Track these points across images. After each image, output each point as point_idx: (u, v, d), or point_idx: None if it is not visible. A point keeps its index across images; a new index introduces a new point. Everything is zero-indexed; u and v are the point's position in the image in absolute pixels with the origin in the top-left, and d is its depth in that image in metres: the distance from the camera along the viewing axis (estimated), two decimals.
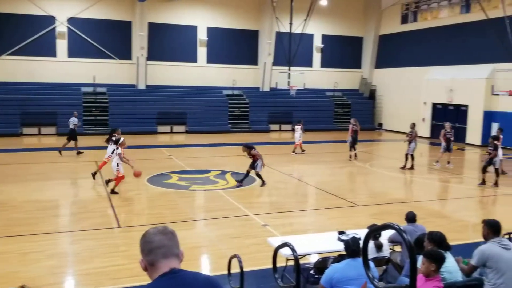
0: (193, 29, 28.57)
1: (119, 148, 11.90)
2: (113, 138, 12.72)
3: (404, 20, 29.42)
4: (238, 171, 15.53)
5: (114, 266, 7.22)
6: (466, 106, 24.16)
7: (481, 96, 23.07)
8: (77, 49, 26.31)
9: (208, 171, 15.19)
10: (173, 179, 14.02)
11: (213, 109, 27.41)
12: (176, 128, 26.83)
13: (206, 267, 7.64)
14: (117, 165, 11.79)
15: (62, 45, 26.17)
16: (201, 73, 28.84)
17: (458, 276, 4.91)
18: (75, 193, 12.95)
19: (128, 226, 9.49)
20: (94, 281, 6.72)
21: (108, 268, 7.15)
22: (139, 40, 26.70)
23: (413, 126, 16.94)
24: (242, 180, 13.19)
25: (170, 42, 28.01)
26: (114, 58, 27.10)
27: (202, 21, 28.69)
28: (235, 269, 5.99)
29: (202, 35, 28.71)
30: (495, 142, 13.69)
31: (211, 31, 28.90)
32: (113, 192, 11.81)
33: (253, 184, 13.68)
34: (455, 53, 25.18)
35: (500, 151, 13.79)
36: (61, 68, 26.07)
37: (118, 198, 11.50)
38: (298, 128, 19.46)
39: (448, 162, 16.95)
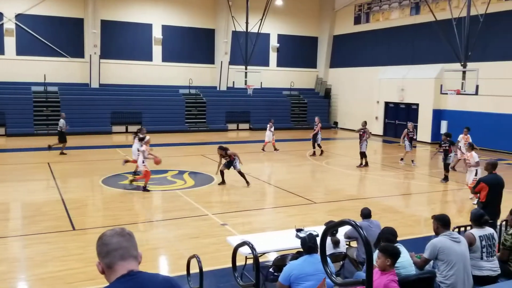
0: (148, 27, 28.09)
1: (144, 146, 12.60)
2: (139, 136, 13.35)
3: (357, 21, 30.13)
4: (196, 170, 15.43)
5: (69, 270, 7.01)
6: (417, 104, 25.03)
7: (430, 95, 23.97)
8: (27, 47, 25.28)
9: (165, 171, 14.99)
10: (129, 180, 13.73)
11: (169, 108, 27.07)
12: (131, 128, 26.22)
13: (164, 268, 7.55)
14: (143, 162, 12.36)
15: (10, 43, 25.07)
16: (156, 71, 28.40)
17: (412, 270, 5.08)
18: (27, 195, 12.44)
19: (83, 228, 9.22)
20: (48, 286, 6.49)
21: (63, 272, 6.93)
22: (92, 38, 25.98)
23: (364, 124, 17.37)
24: (222, 181, 13.28)
25: (124, 40, 27.42)
26: (65, 56, 26.24)
27: (157, 19, 28.25)
28: (195, 269, 5.95)
29: (157, 33, 28.28)
30: (459, 140, 14.36)
31: (166, 29, 28.52)
32: (145, 189, 12.23)
33: (212, 184, 13.62)
34: (405, 54, 26.04)
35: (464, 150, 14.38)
36: (9, 66, 24.96)
37: (72, 200, 11.15)
38: (269, 126, 20.04)
39: (412, 161, 17.33)
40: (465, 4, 18.71)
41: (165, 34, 28.44)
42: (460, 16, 18.62)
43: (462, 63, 18.61)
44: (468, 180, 11.79)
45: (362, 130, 16.96)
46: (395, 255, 4.54)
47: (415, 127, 19.35)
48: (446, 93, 20.03)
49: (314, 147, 19.27)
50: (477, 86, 17.82)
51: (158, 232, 9.33)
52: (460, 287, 5.05)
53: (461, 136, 16.05)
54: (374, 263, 4.96)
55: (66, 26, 26.22)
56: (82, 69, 26.66)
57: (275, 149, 20.03)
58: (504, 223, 7.23)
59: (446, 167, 14.23)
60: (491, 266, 5.58)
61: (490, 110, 21.14)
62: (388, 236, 5.27)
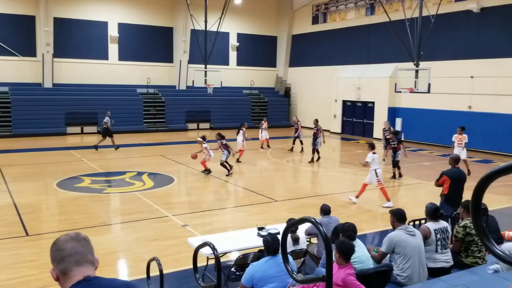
0: (103, 25, 27.42)
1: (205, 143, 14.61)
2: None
3: (315, 21, 30.55)
4: (155, 171, 15.21)
5: (22, 277, 6.74)
6: (373, 103, 25.66)
7: (385, 93, 24.63)
8: None
9: (123, 173, 14.69)
10: (85, 182, 13.38)
11: (126, 108, 26.51)
12: (87, 129, 25.61)
13: (123, 272, 7.39)
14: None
15: None
16: (113, 70, 27.77)
17: (370, 264, 5.20)
18: None
19: (37, 234, 8.89)
20: None
21: (16, 280, 6.67)
22: (44, 36, 25.10)
23: (316, 122, 17.74)
24: (229, 171, 14.54)
25: (78, 38, 26.63)
26: (16, 55, 25.22)
27: (113, 16, 27.62)
28: (155, 272, 5.86)
29: (113, 31, 27.65)
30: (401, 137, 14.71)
31: (123, 27, 27.93)
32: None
33: (171, 185, 13.47)
34: (362, 53, 26.63)
35: (463, 150, 15.01)
36: None
37: (25, 205, 10.72)
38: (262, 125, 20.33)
39: (383, 159, 17.51)
40: (417, 5, 19.32)
41: (122, 32, 27.86)
42: (412, 16, 19.21)
43: (414, 62, 19.20)
44: (369, 180, 11.48)
45: (316, 128, 17.31)
46: (347, 252, 4.54)
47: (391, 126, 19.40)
48: (400, 91, 20.62)
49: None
50: (429, 85, 18.44)
51: (116, 236, 9.13)
52: (416, 279, 5.22)
53: (454, 136, 16.03)
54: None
55: (17, 24, 25.21)
56: (34, 69, 25.71)
57: (268, 147, 20.79)
58: (457, 215, 7.54)
59: (395, 164, 14.59)
60: (445, 258, 5.80)
61: (441, 108, 21.94)
62: (349, 233, 5.36)
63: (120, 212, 10.90)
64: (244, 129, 18.02)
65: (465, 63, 20.98)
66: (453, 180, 8.31)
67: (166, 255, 7.52)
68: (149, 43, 28.75)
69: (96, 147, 19.20)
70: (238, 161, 17.20)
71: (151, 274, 6.03)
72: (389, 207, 10.54)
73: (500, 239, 7.19)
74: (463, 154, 15.01)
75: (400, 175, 14.57)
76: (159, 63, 29.28)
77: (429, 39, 19.07)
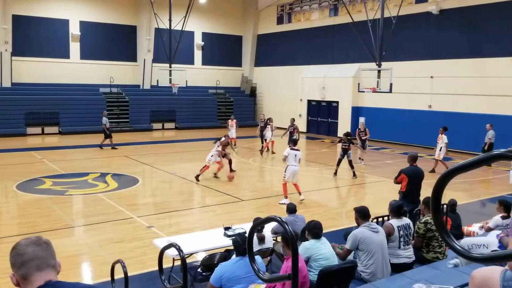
0: (64, 23, 26.69)
1: (220, 146, 14.34)
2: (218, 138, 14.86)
3: (280, 21, 30.74)
4: (119, 172, 14.94)
5: None
6: (337, 102, 26.06)
7: (349, 93, 25.07)
8: None
9: (86, 174, 14.36)
10: (47, 184, 13.01)
11: (89, 107, 25.91)
12: (48, 129, 24.89)
13: (87, 275, 7.23)
14: (211, 156, 14.11)
15: None
16: (74, 69, 27.08)
17: (335, 261, 5.29)
18: None
19: None
20: None
21: None
22: (3, 34, 24.21)
23: (293, 120, 17.93)
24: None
25: (38, 37, 25.83)
26: None
27: (74, 14, 26.92)
28: (120, 275, 5.76)
29: (74, 30, 26.96)
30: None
31: (85, 25, 27.27)
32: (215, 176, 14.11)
33: (136, 186, 13.27)
34: (326, 53, 27.00)
35: (439, 150, 15.31)
36: None
37: None
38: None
39: (361, 158, 17.56)
40: (379, 7, 19.75)
41: (83, 30, 27.20)
42: (374, 18, 19.63)
43: (377, 63, 19.62)
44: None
45: (292, 128, 17.50)
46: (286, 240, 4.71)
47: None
48: (363, 91, 21.03)
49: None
50: (391, 84, 18.88)
51: (79, 238, 8.93)
52: (379, 275, 5.34)
53: (439, 136, 16.18)
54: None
55: None
56: None
57: (234, 146, 20.41)
58: (418, 212, 7.76)
59: (350, 163, 14.73)
60: (408, 254, 5.96)
61: (403, 107, 22.52)
62: (314, 231, 5.43)
63: (83, 214, 10.65)
64: (271, 123, 18.98)
65: (425, 64, 21.61)
66: (411, 178, 8.55)
67: (131, 257, 7.41)
68: (112, 41, 28.20)
69: (111, 146, 19.73)
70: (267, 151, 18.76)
71: (116, 277, 5.91)
72: (284, 204, 10.48)
73: (461, 235, 7.46)
74: (436, 153, 15.44)
75: (354, 174, 14.77)
76: (123, 62, 28.77)
77: (391, 40, 19.52)
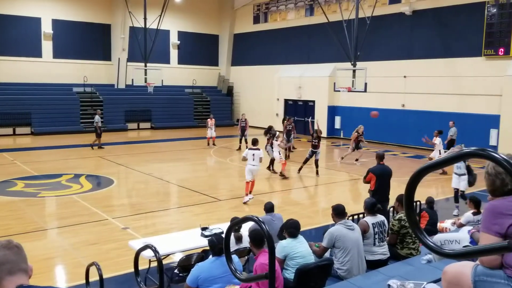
0: (36, 21, 26.10)
1: (278, 140, 14.79)
2: (271, 133, 15.26)
3: (256, 20, 30.77)
4: (93, 173, 14.72)
5: None
6: (313, 101, 26.25)
7: (325, 92, 25.28)
8: None
9: (59, 175, 14.09)
10: (19, 186, 12.72)
11: (62, 108, 25.42)
12: (19, 130, 24.30)
13: (61, 278, 7.10)
14: (279, 153, 14.57)
15: None
16: (47, 69, 26.51)
17: (311, 259, 5.33)
18: None
19: None
20: None
21: None
22: None
23: (291, 119, 18.75)
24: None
25: (9, 35, 25.16)
26: None
27: (46, 12, 26.35)
28: (95, 277, 5.68)
29: (46, 28, 26.39)
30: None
31: (57, 23, 26.73)
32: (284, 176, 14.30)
33: (111, 187, 13.10)
34: (302, 53, 27.15)
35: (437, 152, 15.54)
36: None
37: None
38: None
39: (357, 160, 17.50)
40: (354, 7, 19.99)
41: (56, 29, 26.66)
42: (349, 18, 19.86)
43: (352, 63, 19.87)
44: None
45: (291, 126, 17.72)
46: (258, 241, 4.75)
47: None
48: (339, 91, 21.26)
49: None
50: (365, 84, 19.15)
51: (52, 241, 8.75)
52: (355, 272, 5.41)
53: (433, 139, 16.20)
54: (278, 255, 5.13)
55: None
56: None
57: (213, 145, 20.78)
58: (392, 209, 7.89)
59: (316, 162, 14.93)
60: (382, 251, 6.06)
61: (377, 106, 22.82)
62: (290, 230, 5.46)
63: (57, 217, 10.45)
64: (277, 138, 17.45)
65: (399, 63, 21.97)
66: (379, 176, 8.70)
67: (106, 259, 7.32)
68: (86, 40, 27.73)
69: (98, 146, 19.65)
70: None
71: (91, 280, 5.83)
72: (246, 202, 11.15)
73: (437, 231, 7.61)
74: (435, 155, 15.65)
75: (317, 173, 14.91)
76: (97, 61, 28.33)
77: (365, 40, 19.78)
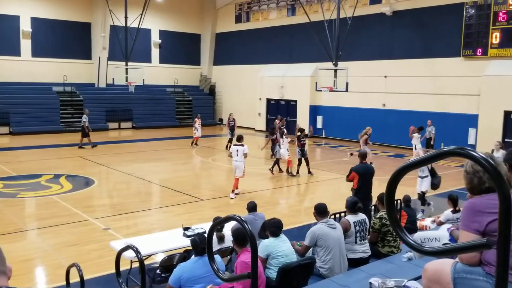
0: (14, 19, 25.61)
1: (288, 137, 15.27)
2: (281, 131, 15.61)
3: (238, 19, 30.74)
4: (74, 174, 14.52)
5: None
6: (295, 101, 26.36)
7: (307, 92, 25.40)
8: None
9: (39, 176, 13.86)
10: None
11: (41, 107, 25.00)
12: None
13: (41, 280, 6.99)
14: (287, 150, 14.89)
15: None
16: (25, 67, 26.04)
17: (293, 258, 5.35)
18: None
19: None
20: None
21: None
22: None
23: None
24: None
25: None
26: None
27: (25, 10, 25.88)
28: (75, 279, 5.61)
29: (25, 26, 25.92)
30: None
31: (36, 22, 26.28)
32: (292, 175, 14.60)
33: (92, 187, 12.94)
34: (284, 53, 27.22)
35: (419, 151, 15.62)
36: None
37: None
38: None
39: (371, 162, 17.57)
40: (335, 7, 20.13)
41: (35, 27, 26.21)
42: (331, 18, 19.99)
43: (333, 62, 20.00)
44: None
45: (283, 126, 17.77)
46: (235, 237, 4.85)
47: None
48: (321, 90, 21.38)
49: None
50: (347, 84, 19.31)
51: (32, 242, 8.61)
52: (337, 270, 5.45)
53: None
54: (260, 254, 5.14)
55: None
56: None
57: (195, 144, 20.76)
58: (374, 207, 7.97)
59: (307, 161, 15.00)
60: (364, 249, 6.11)
61: (358, 105, 23.05)
62: (272, 229, 5.46)
63: (36, 217, 10.28)
64: (286, 135, 16.96)
65: (380, 63, 22.20)
66: (361, 175, 8.80)
67: (87, 260, 7.23)
68: (65, 38, 27.32)
69: (92, 145, 19.71)
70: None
71: (71, 281, 5.76)
72: (232, 198, 11.69)
73: (416, 229, 7.71)
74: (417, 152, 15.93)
75: (310, 171, 15.05)
76: (77, 60, 27.94)
77: (347, 40, 19.94)
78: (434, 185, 10.05)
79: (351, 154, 17.44)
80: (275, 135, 16.43)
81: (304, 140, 14.85)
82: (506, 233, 1.54)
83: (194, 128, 21.23)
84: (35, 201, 11.34)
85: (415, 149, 16.39)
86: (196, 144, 21.04)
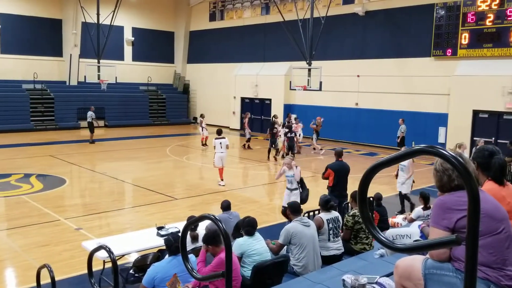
0: None
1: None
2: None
3: (212, 17, 30.60)
4: (44, 173, 14.20)
5: None
6: (270, 100, 26.42)
7: (281, 91, 25.50)
8: None
9: (8, 175, 13.50)
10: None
11: (10, 105, 24.33)
12: None
13: (11, 282, 6.83)
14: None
15: None
16: None
17: (268, 256, 5.37)
18: None
19: None
20: None
21: None
22: None
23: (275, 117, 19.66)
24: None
25: None
26: None
27: None
28: (47, 280, 5.49)
29: None
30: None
31: (5, 18, 25.51)
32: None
33: (63, 186, 12.68)
34: (258, 51, 27.24)
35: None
36: None
37: None
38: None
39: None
40: (309, 7, 20.27)
41: (3, 23, 25.45)
42: (305, 17, 20.11)
43: (307, 62, 20.13)
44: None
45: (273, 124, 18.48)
46: (211, 239, 4.80)
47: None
48: (295, 89, 21.51)
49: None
50: (320, 83, 19.47)
51: (2, 243, 8.37)
52: (311, 267, 5.49)
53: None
54: (235, 252, 5.14)
55: None
56: None
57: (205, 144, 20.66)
58: (347, 205, 8.06)
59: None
60: (337, 246, 6.19)
61: (332, 104, 23.27)
62: (247, 228, 5.46)
63: (6, 218, 10.00)
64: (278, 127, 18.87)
65: (352, 63, 22.47)
66: (337, 172, 8.90)
67: (59, 260, 7.10)
68: (36, 35, 26.65)
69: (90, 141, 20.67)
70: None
71: (42, 282, 5.64)
72: (221, 185, 12.90)
73: (388, 227, 7.83)
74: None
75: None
76: (47, 57, 27.30)
77: (320, 40, 20.11)
78: (302, 200, 8.97)
79: (321, 149, 18.15)
80: (275, 130, 17.98)
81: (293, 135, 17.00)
82: (474, 229, 1.58)
83: (201, 128, 20.73)
84: (4, 201, 11.04)
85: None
86: (206, 144, 20.57)
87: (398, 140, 17.74)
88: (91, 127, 20.79)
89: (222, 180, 13.03)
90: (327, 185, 9.13)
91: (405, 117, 19.15)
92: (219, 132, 13.22)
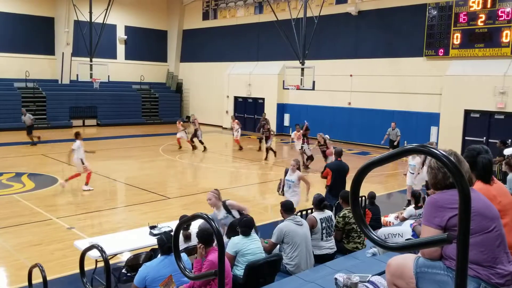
0: None
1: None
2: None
3: (206, 16, 30.54)
4: (36, 172, 14.11)
5: None
6: (263, 99, 26.43)
7: (274, 90, 25.51)
8: None
9: None
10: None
11: (2, 104, 24.13)
12: None
13: (2, 281, 6.78)
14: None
15: None
16: None
17: (261, 256, 5.37)
18: None
19: None
20: None
21: None
22: None
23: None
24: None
25: None
26: None
27: None
28: (38, 279, 5.46)
29: None
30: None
31: None
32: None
33: (55, 185, 12.61)
34: (252, 51, 27.23)
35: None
36: None
37: None
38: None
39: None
40: (302, 6, 20.29)
41: None
42: (298, 17, 20.13)
43: (300, 61, 20.16)
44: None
45: (264, 122, 18.41)
46: (205, 239, 4.62)
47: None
48: (288, 88, 21.52)
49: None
50: (313, 82, 19.50)
51: None
52: (304, 266, 5.51)
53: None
54: (228, 251, 5.14)
55: None
56: None
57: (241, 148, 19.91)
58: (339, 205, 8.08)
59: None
60: (330, 245, 6.21)
61: (325, 104, 23.33)
62: (244, 228, 5.45)
63: None
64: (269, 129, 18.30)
65: (345, 62, 22.53)
66: (335, 172, 8.93)
67: (51, 260, 7.06)
68: (27, 33, 26.44)
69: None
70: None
71: (34, 282, 5.61)
72: (88, 190, 12.02)
73: (381, 227, 7.87)
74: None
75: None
76: (39, 55, 27.11)
77: (313, 39, 20.13)
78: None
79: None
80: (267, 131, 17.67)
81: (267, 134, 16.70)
82: (465, 228, 1.59)
83: (234, 130, 20.11)
84: None
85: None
86: (240, 147, 19.85)
87: (395, 143, 17.54)
88: (30, 129, 19.59)
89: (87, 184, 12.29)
90: (325, 184, 9.17)
91: (397, 116, 19.25)
92: (77, 134, 12.69)
